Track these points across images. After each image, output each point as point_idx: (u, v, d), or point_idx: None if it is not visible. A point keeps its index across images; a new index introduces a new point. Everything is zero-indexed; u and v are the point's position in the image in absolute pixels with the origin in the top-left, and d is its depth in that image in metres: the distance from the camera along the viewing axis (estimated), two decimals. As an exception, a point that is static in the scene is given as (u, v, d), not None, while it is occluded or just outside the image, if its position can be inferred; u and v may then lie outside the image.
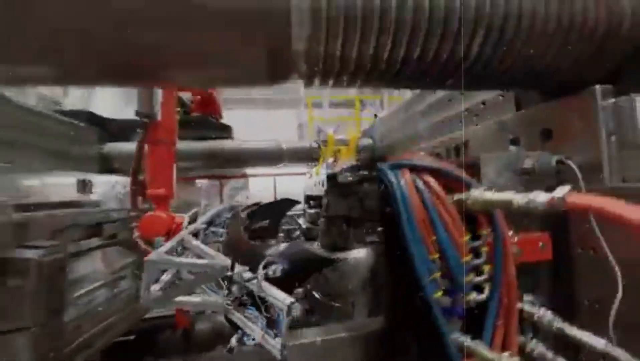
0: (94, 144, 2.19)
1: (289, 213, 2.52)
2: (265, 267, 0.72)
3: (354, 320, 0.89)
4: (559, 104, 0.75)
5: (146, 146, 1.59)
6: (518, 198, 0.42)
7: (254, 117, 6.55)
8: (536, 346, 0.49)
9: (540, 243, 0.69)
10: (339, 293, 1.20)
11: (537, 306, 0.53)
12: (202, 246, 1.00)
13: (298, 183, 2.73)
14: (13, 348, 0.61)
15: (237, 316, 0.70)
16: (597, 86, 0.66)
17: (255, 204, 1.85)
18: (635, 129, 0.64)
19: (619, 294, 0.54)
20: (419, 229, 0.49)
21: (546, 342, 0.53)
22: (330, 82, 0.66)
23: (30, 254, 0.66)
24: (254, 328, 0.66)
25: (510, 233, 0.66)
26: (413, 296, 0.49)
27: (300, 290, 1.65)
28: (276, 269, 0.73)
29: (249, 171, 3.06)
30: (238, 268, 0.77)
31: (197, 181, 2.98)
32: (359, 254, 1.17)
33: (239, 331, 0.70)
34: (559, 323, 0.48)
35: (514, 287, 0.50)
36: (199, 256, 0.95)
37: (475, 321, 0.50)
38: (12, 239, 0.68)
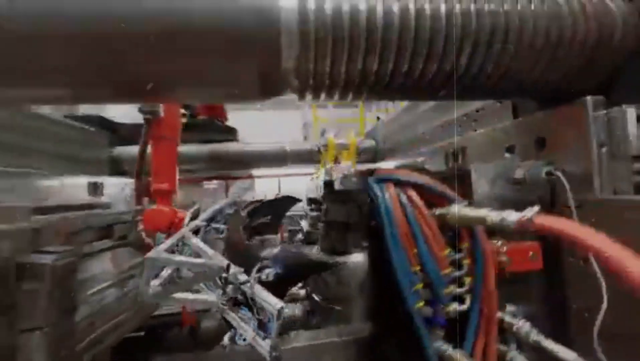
0: (104, 147, 2.28)
1: (293, 213, 2.56)
2: (258, 271, 0.75)
3: (351, 324, 0.91)
4: (551, 114, 0.76)
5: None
6: (492, 216, 0.43)
7: (260, 118, 6.64)
8: (515, 357, 0.50)
9: (530, 253, 0.70)
10: (337, 296, 1.22)
11: (519, 317, 0.54)
12: (201, 244, 1.04)
13: (302, 183, 2.78)
14: (29, 345, 0.67)
15: (231, 316, 0.74)
16: (588, 97, 0.66)
17: (257, 201, 1.89)
18: (626, 140, 0.64)
19: (604, 305, 0.55)
20: (401, 242, 0.51)
21: (530, 353, 0.54)
22: (322, 96, 0.68)
23: (44, 259, 0.72)
24: (246, 328, 0.69)
25: (500, 242, 0.68)
26: (397, 306, 0.52)
27: (302, 292, 1.69)
28: (269, 274, 0.76)
29: (254, 172, 3.12)
30: (234, 268, 0.81)
31: (205, 182, 3.06)
32: (357, 258, 1.19)
33: (233, 330, 0.73)
34: (535, 336, 0.49)
35: (494, 298, 0.51)
36: (198, 255, 0.99)
37: (458, 330, 0.52)
38: (29, 243, 0.73)
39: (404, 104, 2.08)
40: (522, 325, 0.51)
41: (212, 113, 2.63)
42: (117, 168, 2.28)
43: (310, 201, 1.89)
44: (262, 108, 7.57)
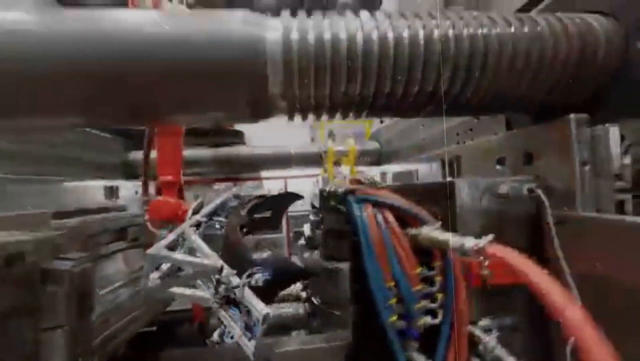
0: (119, 152, 2.41)
1: (300, 213, 2.61)
2: (249, 276, 0.80)
3: (343, 331, 0.96)
4: (538, 130, 0.76)
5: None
6: (454, 240, 0.46)
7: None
8: (484, 370, 0.53)
9: (514, 267, 0.71)
10: (335, 301, 1.27)
11: (491, 330, 0.57)
12: (200, 242, 1.10)
13: (308, 184, 2.86)
14: (51, 342, 0.75)
15: (222, 314, 0.79)
16: (572, 115, 0.67)
17: (260, 196, 1.94)
18: (609, 159, 0.64)
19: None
20: (377, 259, 0.55)
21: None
22: (310, 116, 0.72)
23: (64, 265, 0.80)
24: (234, 328, 0.74)
25: (482, 256, 0.70)
26: (374, 318, 0.56)
27: (304, 293, 1.74)
28: (258, 280, 0.81)
29: (262, 173, 3.21)
30: (227, 270, 0.86)
31: (216, 184, 3.17)
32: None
33: (223, 327, 0.78)
34: (498, 350, 0.52)
35: (465, 313, 0.54)
36: (195, 252, 1.06)
37: (433, 343, 0.56)
38: (52, 251, 0.82)
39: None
40: (489, 340, 0.54)
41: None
42: (131, 172, 2.41)
43: (312, 206, 1.94)
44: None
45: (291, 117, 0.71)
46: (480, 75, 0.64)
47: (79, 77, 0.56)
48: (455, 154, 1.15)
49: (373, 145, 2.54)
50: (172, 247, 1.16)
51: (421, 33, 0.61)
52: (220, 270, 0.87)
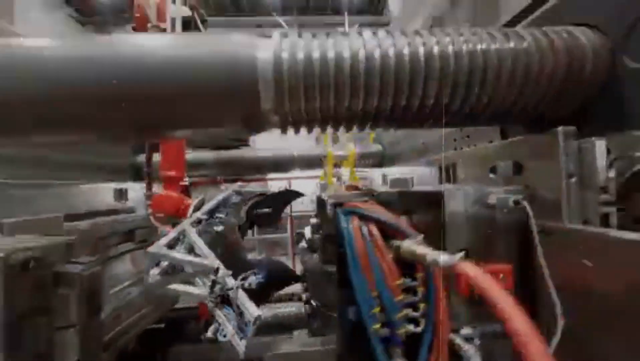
0: (128, 155, 2.50)
1: (307, 214, 2.64)
2: (243, 279, 0.84)
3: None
4: (527, 141, 0.77)
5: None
6: (430, 255, 0.49)
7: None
8: (464, 376, 0.55)
9: (501, 275, 0.73)
10: (333, 304, 1.30)
11: (473, 339, 0.59)
12: (199, 241, 1.15)
13: (310, 185, 2.90)
14: (65, 340, 0.82)
15: (217, 313, 0.84)
16: (560, 128, 0.67)
17: (262, 194, 1.98)
18: (595, 172, 0.65)
19: (558, 334, 0.58)
20: (362, 270, 0.58)
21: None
22: (302, 129, 0.75)
23: (75, 269, 0.86)
24: (228, 326, 0.79)
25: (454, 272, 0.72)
26: (360, 325, 0.59)
27: (305, 295, 1.78)
28: (252, 283, 0.85)
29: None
30: (222, 271, 0.91)
31: (223, 184, 3.23)
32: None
33: (217, 324, 0.83)
34: (475, 359, 0.54)
35: (446, 323, 0.57)
36: (194, 251, 1.11)
37: (417, 349, 0.59)
38: (64, 255, 0.88)
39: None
40: (467, 348, 0.56)
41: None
42: (140, 174, 2.50)
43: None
44: None
45: (284, 131, 0.74)
46: (466, 90, 0.65)
47: (94, 99, 0.60)
48: (452, 160, 1.16)
49: (376, 147, 2.55)
50: (172, 245, 1.21)
51: (391, 51, 0.63)
52: (216, 271, 0.92)
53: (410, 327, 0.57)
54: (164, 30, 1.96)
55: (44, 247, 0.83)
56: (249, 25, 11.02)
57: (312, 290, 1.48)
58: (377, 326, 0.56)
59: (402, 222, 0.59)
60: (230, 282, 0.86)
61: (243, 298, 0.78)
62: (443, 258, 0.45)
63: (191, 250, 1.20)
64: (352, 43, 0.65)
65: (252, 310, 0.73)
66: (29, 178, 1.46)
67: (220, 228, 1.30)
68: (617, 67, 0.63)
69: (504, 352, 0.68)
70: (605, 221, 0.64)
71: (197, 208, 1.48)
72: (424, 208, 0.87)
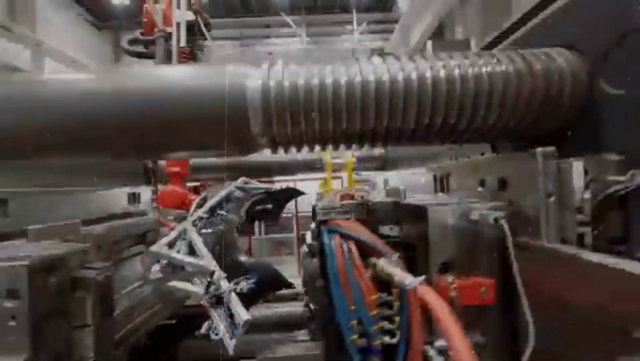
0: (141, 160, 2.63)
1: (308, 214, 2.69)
2: (236, 283, 0.91)
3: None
4: (511, 159, 0.79)
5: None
6: (398, 275, 0.53)
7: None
8: (435, 386, 0.59)
9: (483, 289, 0.76)
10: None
11: (445, 352, 0.63)
12: (198, 241, 1.22)
13: (314, 186, 2.99)
14: (80, 338, 0.91)
15: (211, 312, 0.91)
16: (539, 149, 0.69)
17: (264, 192, 2.03)
18: (572, 192, 0.66)
19: (531, 343, 0.61)
20: (341, 285, 0.62)
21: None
22: (292, 149, 0.81)
23: (89, 274, 0.95)
24: (220, 325, 0.85)
25: (451, 278, 0.75)
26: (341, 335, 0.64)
27: (305, 298, 1.84)
28: (243, 288, 0.91)
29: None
30: (217, 274, 0.97)
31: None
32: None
33: (210, 322, 0.89)
34: None
35: (418, 335, 0.61)
36: (193, 250, 1.18)
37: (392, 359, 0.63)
38: (81, 261, 0.97)
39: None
40: (436, 359, 0.60)
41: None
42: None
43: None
44: None
45: (273, 151, 0.79)
46: (444, 114, 0.68)
47: (115, 129, 0.68)
48: (445, 171, 1.18)
49: (379, 151, 2.57)
50: (173, 243, 1.29)
51: (372, 77, 0.67)
52: (212, 274, 0.99)
53: (386, 338, 0.62)
54: (170, 34, 2.04)
55: (62, 255, 0.92)
56: (258, 25, 11.15)
57: (311, 294, 1.53)
58: (355, 336, 0.61)
59: (379, 242, 0.63)
60: (224, 285, 0.93)
61: (235, 302, 0.85)
62: (408, 280, 0.49)
63: (191, 249, 1.28)
64: (333, 71, 0.70)
65: (242, 314, 0.79)
66: (53, 186, 1.58)
67: (218, 229, 1.38)
68: (594, 91, 0.64)
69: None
70: (581, 240, 0.66)
71: (200, 205, 1.55)
72: (413, 219, 0.91)
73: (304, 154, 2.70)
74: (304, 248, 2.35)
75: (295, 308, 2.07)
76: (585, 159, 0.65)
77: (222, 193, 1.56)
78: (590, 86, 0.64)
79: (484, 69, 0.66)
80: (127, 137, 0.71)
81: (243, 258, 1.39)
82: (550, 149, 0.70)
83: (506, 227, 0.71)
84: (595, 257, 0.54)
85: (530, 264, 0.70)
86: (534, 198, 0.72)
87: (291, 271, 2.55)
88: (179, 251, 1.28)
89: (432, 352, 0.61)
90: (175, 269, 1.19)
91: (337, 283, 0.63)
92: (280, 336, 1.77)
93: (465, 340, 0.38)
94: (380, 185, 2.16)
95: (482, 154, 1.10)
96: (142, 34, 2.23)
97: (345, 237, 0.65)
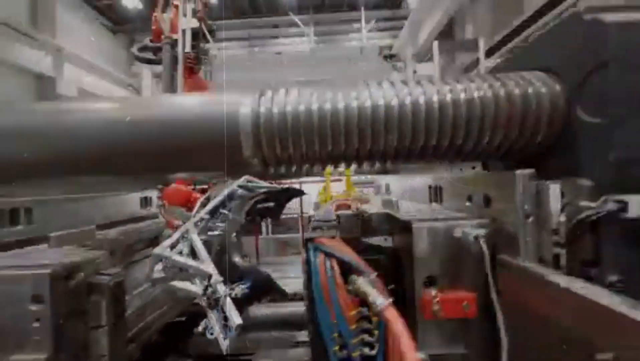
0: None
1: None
2: (232, 288, 0.97)
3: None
4: (495, 178, 0.81)
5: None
6: (372, 295, 0.57)
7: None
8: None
9: (465, 303, 0.80)
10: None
11: (422, 363, 0.67)
12: (199, 244, 1.30)
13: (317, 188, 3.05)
14: (96, 338, 1.01)
15: (209, 314, 0.98)
16: (518, 171, 0.71)
17: (265, 192, 2.08)
18: (549, 214, 0.68)
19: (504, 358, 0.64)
20: (324, 299, 0.68)
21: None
22: (282, 170, 0.86)
23: (103, 280, 1.04)
24: (215, 326, 0.93)
25: (434, 292, 0.79)
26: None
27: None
28: (238, 293, 0.97)
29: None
30: (215, 278, 1.04)
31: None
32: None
33: (207, 321, 0.97)
34: None
35: (396, 348, 0.65)
36: (194, 252, 1.26)
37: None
38: (96, 268, 1.07)
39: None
40: None
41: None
42: (165, 180, 2.75)
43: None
44: None
45: (265, 172, 0.85)
46: (425, 136, 0.72)
47: (129, 157, 0.76)
48: (439, 183, 1.21)
49: (381, 154, 2.57)
50: (175, 244, 1.37)
51: (354, 103, 0.71)
52: (210, 277, 1.06)
53: (366, 350, 0.66)
54: (176, 40, 2.14)
55: (80, 262, 1.02)
56: (266, 25, 11.23)
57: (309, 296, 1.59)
58: (337, 348, 0.66)
59: (360, 261, 0.68)
60: (221, 289, 1.00)
61: (229, 306, 0.92)
62: (379, 300, 0.53)
63: (193, 250, 1.36)
64: (319, 97, 0.74)
65: (235, 318, 0.87)
66: (74, 193, 1.69)
67: (217, 232, 1.45)
68: (571, 119, 0.66)
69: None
70: (557, 261, 0.68)
71: (204, 205, 1.62)
72: (401, 232, 0.95)
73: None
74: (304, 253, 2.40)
75: (298, 308, 2.14)
76: (562, 182, 0.67)
77: (225, 191, 1.62)
78: (567, 112, 0.66)
79: (462, 96, 0.69)
80: (139, 161, 0.79)
81: (237, 258, 1.47)
82: (529, 171, 0.72)
83: (484, 246, 0.74)
84: (563, 280, 0.57)
85: (509, 281, 0.72)
86: (514, 217, 0.75)
87: (297, 271, 2.62)
88: (181, 252, 1.37)
89: (408, 364, 0.66)
90: (176, 269, 1.28)
91: (321, 298, 0.68)
92: (280, 334, 1.85)
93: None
94: (383, 190, 2.18)
95: (474, 168, 1.12)
96: (151, 41, 2.34)
97: (329, 255, 0.69)
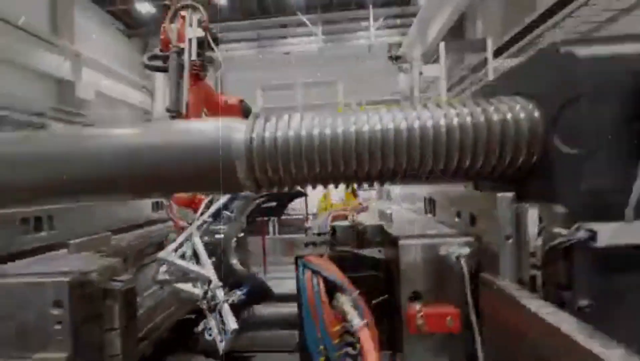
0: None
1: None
2: (229, 293, 1.05)
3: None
4: (479, 198, 0.83)
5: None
6: (350, 314, 0.62)
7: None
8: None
9: (449, 318, 0.83)
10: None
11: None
12: (200, 249, 1.38)
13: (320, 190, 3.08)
14: (110, 339, 1.11)
15: (208, 315, 1.06)
16: (499, 194, 0.74)
17: (266, 194, 2.15)
18: (527, 236, 0.71)
19: None
20: (311, 315, 0.73)
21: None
22: (275, 189, 0.92)
23: (116, 286, 1.14)
24: (214, 328, 1.00)
25: (419, 306, 0.83)
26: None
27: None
28: (235, 300, 1.05)
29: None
30: (214, 283, 1.12)
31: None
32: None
33: (205, 322, 1.04)
34: None
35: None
36: (197, 256, 1.34)
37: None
38: (110, 274, 1.16)
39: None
40: None
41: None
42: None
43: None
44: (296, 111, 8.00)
45: (258, 191, 0.91)
46: (407, 160, 0.76)
47: (137, 174, 0.84)
48: (433, 197, 1.24)
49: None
50: (179, 247, 1.47)
51: (340, 130, 0.76)
52: (209, 283, 1.14)
53: (348, 362, 0.72)
54: (182, 49, 2.25)
55: (95, 270, 1.12)
56: (274, 26, 11.31)
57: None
58: (322, 359, 0.72)
59: (344, 280, 0.73)
60: (220, 294, 1.08)
61: (226, 311, 1.00)
62: (355, 320, 0.58)
63: (195, 253, 1.46)
64: (306, 124, 0.79)
65: (231, 323, 0.94)
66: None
67: (218, 237, 1.54)
68: (548, 146, 0.68)
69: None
70: (534, 283, 0.70)
71: (208, 206, 1.71)
72: (391, 245, 0.99)
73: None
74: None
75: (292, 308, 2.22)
76: (539, 207, 0.69)
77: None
78: (545, 140, 0.68)
79: (442, 121, 0.72)
80: (145, 183, 0.87)
81: (234, 260, 1.56)
82: (510, 194, 0.74)
83: (465, 267, 0.77)
84: (534, 304, 0.60)
85: (490, 300, 0.75)
86: (496, 238, 0.77)
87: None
88: (184, 254, 1.47)
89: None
90: (180, 272, 1.38)
91: (308, 313, 0.73)
92: (286, 333, 1.93)
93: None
94: (394, 193, 2.19)
95: (465, 186, 1.14)
96: (161, 50, 2.46)
97: (316, 273, 0.75)
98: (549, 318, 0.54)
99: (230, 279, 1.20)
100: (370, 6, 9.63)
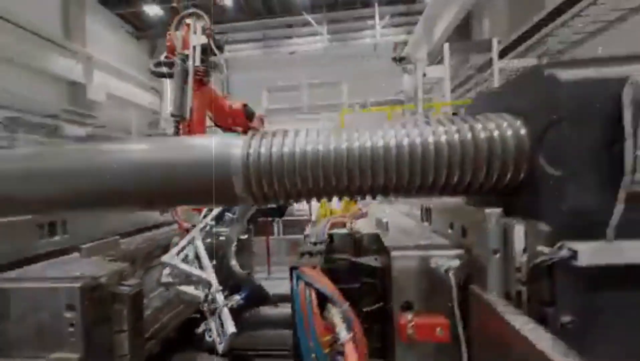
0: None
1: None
2: (228, 297, 1.10)
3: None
4: (469, 212, 0.85)
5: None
6: (338, 327, 0.65)
7: (298, 122, 7.11)
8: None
9: (439, 328, 0.86)
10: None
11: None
12: (202, 252, 1.44)
13: None
14: (119, 341, 1.17)
15: (208, 317, 1.12)
16: (487, 210, 0.75)
17: None
18: (514, 252, 0.72)
19: None
20: (304, 324, 0.77)
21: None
22: (271, 202, 0.96)
23: (124, 290, 1.20)
24: (213, 330, 1.05)
25: (410, 316, 0.86)
26: None
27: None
28: (234, 304, 1.10)
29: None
30: (215, 287, 1.17)
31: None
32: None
33: (205, 324, 1.10)
34: None
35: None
36: (199, 259, 1.40)
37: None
38: (119, 278, 1.23)
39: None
40: None
41: (233, 124, 3.00)
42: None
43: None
44: (291, 120, 8.09)
45: (255, 204, 0.95)
46: (397, 176, 0.78)
47: (146, 188, 0.90)
48: (429, 206, 1.26)
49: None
50: (182, 250, 1.53)
51: (331, 147, 0.79)
52: (210, 286, 1.20)
53: (339, 370, 0.75)
54: (187, 55, 2.32)
55: (105, 275, 1.18)
56: (280, 26, 11.33)
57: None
58: (314, 367, 0.76)
59: (335, 292, 0.76)
60: (220, 298, 1.14)
61: (226, 315, 1.05)
62: (342, 333, 0.62)
63: (197, 256, 1.52)
64: (300, 140, 0.83)
65: (230, 327, 0.99)
66: None
67: (219, 240, 1.60)
68: (533, 165, 0.69)
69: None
70: (519, 298, 0.72)
71: (210, 210, 1.77)
72: (385, 255, 1.01)
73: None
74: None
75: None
76: (525, 224, 0.71)
77: None
78: (530, 159, 0.70)
79: (430, 138, 0.75)
80: (148, 196, 0.92)
81: (234, 262, 1.61)
82: (498, 210, 0.76)
83: (453, 280, 0.79)
84: (519, 321, 0.62)
85: (478, 312, 0.77)
86: (485, 251, 0.79)
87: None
88: (187, 256, 1.53)
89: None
90: (183, 275, 1.44)
91: (301, 322, 0.77)
92: (287, 333, 1.98)
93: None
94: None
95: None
96: (166, 57, 2.53)
97: (309, 285, 0.78)
98: (528, 334, 0.56)
99: (230, 282, 1.26)
100: (376, 4, 9.54)
